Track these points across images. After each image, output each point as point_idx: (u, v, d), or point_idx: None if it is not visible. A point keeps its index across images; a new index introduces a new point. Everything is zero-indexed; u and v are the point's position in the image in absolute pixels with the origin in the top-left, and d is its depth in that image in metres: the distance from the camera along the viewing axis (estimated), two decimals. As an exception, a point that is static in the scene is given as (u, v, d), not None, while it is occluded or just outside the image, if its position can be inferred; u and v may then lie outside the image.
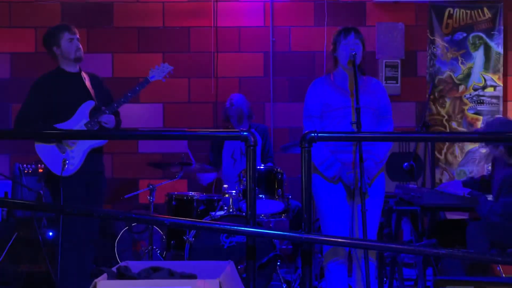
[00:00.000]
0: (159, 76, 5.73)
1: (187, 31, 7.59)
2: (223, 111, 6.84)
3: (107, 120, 5.43)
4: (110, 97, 5.61)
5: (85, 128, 5.38)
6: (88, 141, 5.43)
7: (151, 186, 6.51)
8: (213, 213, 6.07)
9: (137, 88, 5.57)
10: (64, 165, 5.30)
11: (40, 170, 6.73)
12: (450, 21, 7.49)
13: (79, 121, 5.42)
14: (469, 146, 7.51)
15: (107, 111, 5.43)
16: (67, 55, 5.49)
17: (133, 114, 7.13)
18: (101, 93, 5.58)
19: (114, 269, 2.80)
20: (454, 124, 7.48)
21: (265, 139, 6.80)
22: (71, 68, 5.53)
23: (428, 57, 7.50)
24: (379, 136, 4.78)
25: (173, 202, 6.36)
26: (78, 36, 5.54)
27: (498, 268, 5.97)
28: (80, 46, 5.53)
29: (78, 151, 5.40)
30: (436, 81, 7.46)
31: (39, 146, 5.41)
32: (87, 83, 5.55)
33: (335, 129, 4.83)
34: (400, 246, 5.17)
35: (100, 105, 5.48)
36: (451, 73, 7.50)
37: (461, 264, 5.57)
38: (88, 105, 5.46)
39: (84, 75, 5.58)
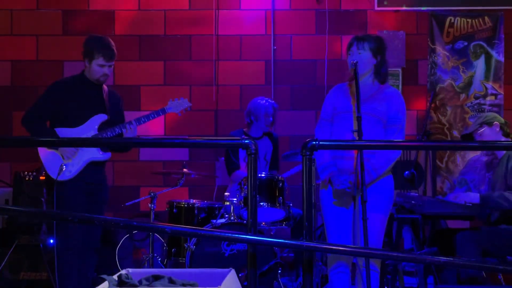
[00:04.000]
0: (176, 109, 5.76)
1: (188, 39, 7.60)
2: (256, 109, 6.71)
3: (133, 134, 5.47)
4: (123, 118, 5.61)
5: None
6: (89, 153, 5.44)
7: (152, 194, 6.50)
8: (214, 221, 6.06)
9: (152, 116, 5.61)
10: (61, 169, 5.31)
11: (42, 178, 6.73)
12: (451, 29, 7.50)
13: (87, 131, 5.42)
14: (470, 154, 7.51)
15: (133, 122, 5.46)
16: (91, 75, 5.48)
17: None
18: (115, 110, 5.58)
19: (115, 276, 2.80)
20: (455, 133, 7.48)
21: (277, 147, 6.80)
22: (93, 80, 5.54)
23: (429, 65, 7.51)
24: (379, 144, 4.78)
25: (174, 210, 6.36)
26: (112, 63, 5.49)
27: (499, 277, 5.97)
28: (108, 72, 5.49)
29: (78, 159, 5.41)
30: (437, 89, 7.47)
31: (41, 149, 5.43)
32: (105, 96, 5.55)
33: (339, 133, 4.83)
34: (401, 254, 5.17)
35: (112, 121, 5.48)
36: (452, 82, 7.51)
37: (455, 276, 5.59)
38: (100, 118, 5.46)
39: (104, 87, 5.58)
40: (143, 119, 5.56)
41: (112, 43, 5.51)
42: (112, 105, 5.57)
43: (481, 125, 5.70)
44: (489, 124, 5.68)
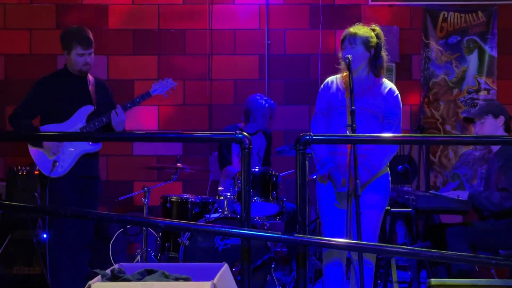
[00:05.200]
0: (162, 91, 5.74)
1: (182, 34, 7.60)
2: (255, 109, 6.68)
3: (119, 119, 5.45)
4: (112, 106, 5.59)
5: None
6: (80, 146, 5.43)
7: (145, 189, 6.49)
8: (208, 215, 6.06)
9: (137, 100, 5.59)
10: (54, 166, 5.30)
11: (36, 173, 6.72)
12: (444, 24, 7.51)
13: (75, 124, 5.42)
14: (463, 149, 7.51)
15: (118, 107, 5.45)
16: (72, 66, 5.49)
17: (128, 116, 7.10)
18: (103, 99, 5.57)
19: (108, 271, 2.79)
20: (448, 127, 7.49)
21: (270, 143, 6.79)
22: (77, 72, 5.54)
23: (423, 60, 7.52)
24: (372, 139, 4.77)
25: (167, 205, 6.36)
26: (91, 50, 5.50)
27: (491, 271, 5.98)
28: (89, 60, 5.49)
29: (69, 154, 5.40)
30: (430, 84, 7.47)
31: (32, 148, 5.43)
32: (91, 87, 5.54)
33: (335, 128, 4.82)
34: (394, 249, 5.17)
35: (100, 111, 5.48)
36: (446, 77, 7.52)
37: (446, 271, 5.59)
38: (87, 110, 5.46)
39: (90, 78, 5.57)
40: (129, 104, 5.54)
41: (88, 31, 5.53)
42: (99, 95, 5.55)
43: (487, 113, 5.63)
44: (495, 115, 5.59)
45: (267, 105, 6.59)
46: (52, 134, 5.24)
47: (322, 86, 5.05)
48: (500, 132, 5.57)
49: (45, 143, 5.36)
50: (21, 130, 5.40)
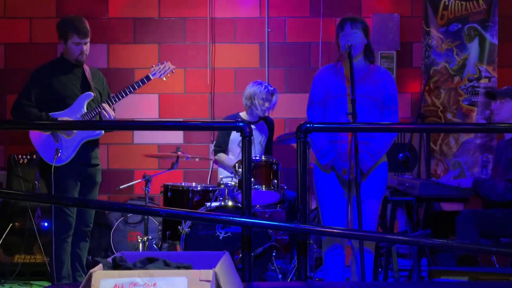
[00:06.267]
0: (160, 74, 5.77)
1: (182, 22, 7.59)
2: (252, 93, 6.63)
3: (109, 112, 5.45)
4: (109, 95, 5.63)
5: (81, 119, 5.40)
6: (82, 133, 5.45)
7: (146, 177, 6.50)
8: (209, 203, 6.07)
9: (137, 85, 5.61)
10: (57, 154, 5.31)
11: (35, 157, 6.73)
12: (445, 12, 7.49)
13: (76, 111, 5.44)
14: (464, 137, 7.51)
15: (104, 104, 5.45)
16: (69, 55, 5.52)
17: (128, 104, 7.10)
18: (100, 87, 5.60)
19: (109, 259, 2.79)
20: (449, 115, 7.49)
21: (272, 131, 6.78)
22: (74, 61, 5.56)
23: (424, 48, 7.50)
24: (373, 127, 4.77)
25: (168, 193, 6.37)
26: (87, 40, 5.52)
27: (492, 259, 5.99)
28: (85, 49, 5.52)
29: (72, 141, 5.41)
30: (431, 72, 7.46)
31: (34, 134, 5.43)
32: (88, 75, 5.56)
33: (333, 117, 4.83)
34: (395, 237, 5.18)
35: (98, 98, 5.50)
36: (446, 65, 7.51)
37: (452, 255, 5.59)
38: (86, 97, 5.48)
39: (86, 67, 5.59)
40: (128, 90, 5.56)
41: (85, 20, 5.55)
42: (96, 83, 5.58)
43: (511, 96, 5.57)
44: None
45: (266, 90, 6.57)
46: (55, 123, 5.25)
47: (317, 74, 5.05)
48: None
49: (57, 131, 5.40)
50: (24, 118, 5.42)
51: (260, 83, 6.62)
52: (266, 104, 6.53)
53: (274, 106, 6.63)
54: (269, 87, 6.59)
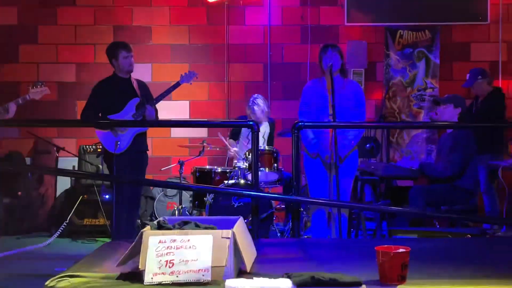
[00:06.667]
0: (188, 80, 5.71)
1: (206, 47, 7.59)
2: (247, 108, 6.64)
3: (150, 111, 5.44)
4: (152, 98, 5.61)
5: (132, 119, 5.39)
6: (133, 128, 5.46)
7: (180, 162, 6.51)
8: (227, 181, 6.08)
9: (171, 89, 5.58)
10: (116, 145, 5.32)
11: (99, 150, 6.75)
12: (400, 40, 7.48)
13: (128, 113, 5.43)
14: (414, 132, 7.51)
15: (149, 105, 5.44)
16: (121, 68, 5.47)
17: (167, 108, 7.13)
18: (145, 94, 5.58)
19: (155, 222, 2.81)
20: (403, 116, 7.48)
21: (273, 129, 6.78)
22: (124, 75, 5.53)
23: (384, 66, 7.50)
24: (348, 125, 4.80)
25: (197, 173, 6.38)
26: (132, 53, 5.50)
27: (434, 222, 6.00)
28: (133, 61, 5.49)
29: (127, 135, 5.41)
30: (390, 84, 7.45)
31: (98, 132, 5.44)
32: (135, 85, 5.56)
33: (318, 118, 4.84)
34: (363, 205, 5.20)
35: (143, 102, 5.49)
36: (401, 79, 7.49)
37: (405, 219, 5.60)
38: (135, 101, 5.47)
39: (133, 79, 5.58)
40: (165, 93, 5.51)
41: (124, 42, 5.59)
42: (141, 91, 5.56)
43: (450, 102, 5.50)
44: (455, 106, 5.49)
45: (249, 104, 6.50)
46: (112, 122, 5.27)
47: (305, 86, 5.06)
48: (455, 119, 5.47)
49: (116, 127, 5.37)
50: (89, 120, 5.42)
51: (249, 100, 6.57)
52: (252, 116, 6.47)
53: (263, 111, 6.55)
54: (250, 101, 6.52)
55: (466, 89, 6.83)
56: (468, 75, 6.48)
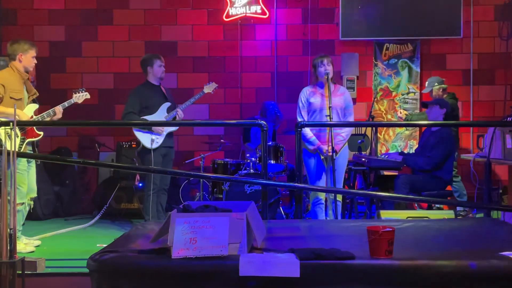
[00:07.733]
0: (210, 90, 5.79)
1: (223, 59, 7.59)
2: (270, 109, 6.68)
3: (181, 114, 5.48)
4: (175, 103, 5.64)
5: (165, 120, 5.41)
6: (168, 128, 5.48)
7: (202, 155, 6.53)
8: (240, 171, 6.10)
9: (196, 96, 5.64)
10: (152, 141, 5.35)
11: (133, 145, 6.78)
12: (387, 51, 7.45)
13: (162, 114, 5.46)
14: (398, 130, 7.50)
15: (181, 108, 5.48)
16: (156, 75, 5.51)
17: (191, 111, 7.14)
18: (171, 99, 5.63)
19: (180, 206, 2.83)
20: (389, 116, 7.46)
21: (277, 127, 6.79)
22: (155, 82, 5.57)
23: (373, 74, 7.47)
24: (342, 124, 4.79)
25: (215, 165, 6.40)
26: (164, 64, 5.55)
27: (415, 205, 5.99)
28: (164, 69, 5.55)
29: (163, 134, 5.44)
30: (378, 89, 7.43)
31: (137, 131, 5.46)
32: (164, 92, 5.59)
33: (316, 119, 4.84)
34: (355, 192, 5.19)
35: (174, 106, 5.51)
36: (388, 84, 7.47)
37: (392, 203, 5.59)
38: (166, 105, 5.51)
39: (162, 87, 5.61)
40: (192, 100, 5.57)
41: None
42: (169, 96, 5.61)
43: (436, 104, 5.40)
44: (441, 107, 5.40)
45: (271, 106, 6.61)
46: (149, 122, 5.28)
47: (302, 92, 5.06)
48: (440, 119, 5.36)
49: (154, 127, 5.38)
50: (130, 120, 5.44)
51: (269, 102, 6.63)
52: (273, 114, 6.56)
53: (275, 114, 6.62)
54: (271, 103, 6.58)
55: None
56: (426, 82, 6.50)
